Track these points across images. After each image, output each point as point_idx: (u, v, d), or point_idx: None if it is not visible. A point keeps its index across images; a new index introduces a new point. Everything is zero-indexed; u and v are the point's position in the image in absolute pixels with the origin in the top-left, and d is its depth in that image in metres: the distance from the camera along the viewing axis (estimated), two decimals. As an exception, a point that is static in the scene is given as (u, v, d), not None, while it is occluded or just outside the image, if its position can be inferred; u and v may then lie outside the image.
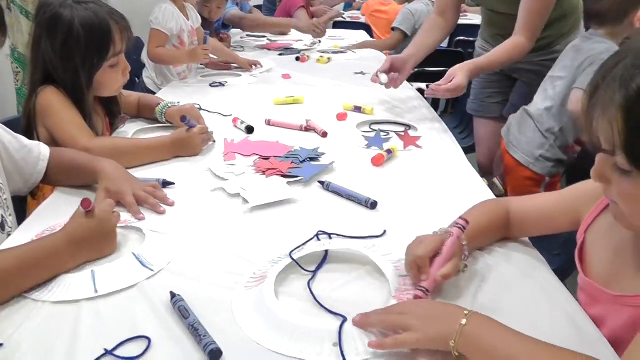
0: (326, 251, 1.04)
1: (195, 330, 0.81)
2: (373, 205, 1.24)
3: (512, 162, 2.06)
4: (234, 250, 1.07)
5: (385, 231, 1.12)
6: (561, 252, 1.17)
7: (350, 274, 1.00)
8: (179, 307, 0.86)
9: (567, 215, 1.03)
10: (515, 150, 2.05)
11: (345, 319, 0.84)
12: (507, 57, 1.95)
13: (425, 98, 2.16)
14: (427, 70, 2.31)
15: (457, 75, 1.84)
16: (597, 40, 1.87)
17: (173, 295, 0.89)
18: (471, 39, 3.60)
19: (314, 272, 0.99)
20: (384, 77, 1.99)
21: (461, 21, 5.02)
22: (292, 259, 1.00)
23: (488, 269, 1.02)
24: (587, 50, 1.86)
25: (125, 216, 1.15)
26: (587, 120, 0.75)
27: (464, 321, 0.76)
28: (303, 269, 1.00)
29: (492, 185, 2.28)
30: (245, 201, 1.25)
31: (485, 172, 2.47)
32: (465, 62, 1.93)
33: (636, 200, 0.75)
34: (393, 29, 3.90)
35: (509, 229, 1.10)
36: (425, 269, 0.92)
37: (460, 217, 0.98)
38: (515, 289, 0.97)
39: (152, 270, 0.99)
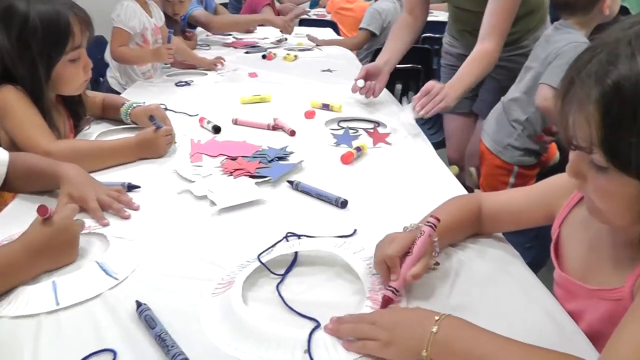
0: (295, 253, 1.01)
1: (163, 341, 0.77)
2: (343, 204, 1.22)
3: (485, 150, 2.07)
4: (201, 255, 1.03)
5: (355, 230, 1.10)
6: (533, 245, 1.16)
7: (321, 276, 0.97)
8: (145, 316, 0.82)
9: (540, 210, 1.02)
10: (487, 138, 2.06)
11: (318, 324, 0.82)
12: (479, 70, 1.90)
13: (393, 94, 2.14)
14: (396, 67, 2.30)
15: (449, 96, 1.78)
16: (566, 30, 1.86)
17: (139, 304, 0.85)
18: (437, 35, 3.61)
19: (283, 276, 0.96)
20: (361, 82, 1.97)
21: (428, 18, 5.04)
22: (261, 262, 0.97)
23: (461, 265, 1.00)
24: (554, 41, 1.86)
25: (88, 222, 1.10)
26: (562, 117, 0.73)
27: (434, 328, 0.74)
28: (272, 272, 0.96)
29: (468, 175, 2.28)
30: (213, 203, 1.21)
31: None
32: (453, 90, 1.83)
33: (612, 197, 0.73)
34: (360, 29, 3.87)
35: (481, 224, 1.08)
36: (395, 269, 0.90)
37: (431, 215, 0.95)
38: (490, 285, 0.96)
39: (116, 279, 0.94)
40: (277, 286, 0.92)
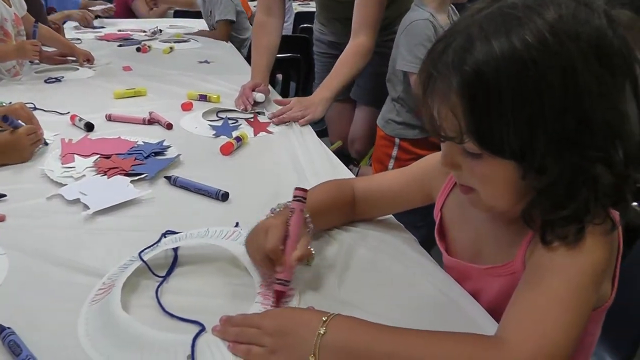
0: (176, 253, 0.94)
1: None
2: (224, 196, 1.16)
3: (377, 126, 2.06)
4: (77, 263, 0.93)
5: (237, 223, 1.04)
6: (425, 223, 1.15)
7: (207, 273, 0.91)
8: (9, 342, 0.72)
9: (417, 191, 1.00)
10: (380, 114, 2.05)
11: (202, 328, 0.76)
12: (355, 68, 1.87)
13: (274, 85, 2.07)
14: (276, 57, 2.23)
15: (318, 110, 1.75)
16: (414, 8, 1.84)
17: (2, 328, 0.74)
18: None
19: (165, 277, 0.89)
20: (259, 96, 1.81)
21: (303, 8, 5.00)
22: (142, 259, 0.89)
23: (349, 252, 0.97)
24: (402, 22, 1.85)
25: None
26: (426, 110, 0.71)
27: (322, 330, 0.68)
28: (154, 273, 0.89)
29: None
30: (86, 207, 1.11)
31: (338, 154, 2.45)
32: (320, 93, 1.82)
33: (491, 181, 0.71)
34: (218, 21, 3.52)
35: (355, 209, 1.05)
36: (279, 260, 0.82)
37: (297, 188, 0.86)
38: (383, 270, 0.93)
39: (-24, 299, 0.84)
40: (157, 290, 0.85)
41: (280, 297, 0.81)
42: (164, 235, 0.99)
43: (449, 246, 0.94)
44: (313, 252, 0.90)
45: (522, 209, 0.72)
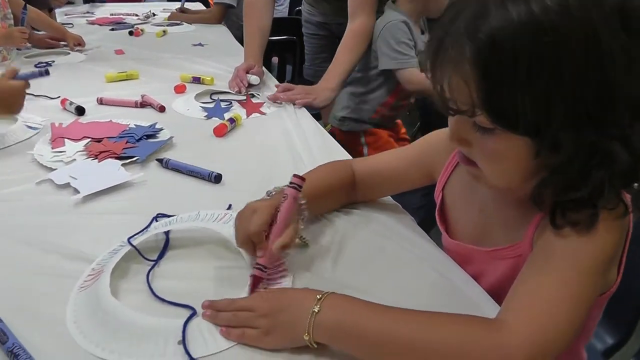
0: (167, 236, 0.91)
1: (15, 357, 0.66)
2: (217, 178, 1.13)
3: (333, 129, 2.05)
4: (67, 248, 0.90)
5: (230, 205, 1.01)
6: (424, 204, 1.12)
7: (198, 256, 0.88)
8: (-6, 329, 0.70)
9: (417, 171, 0.96)
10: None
11: (194, 312, 0.73)
12: (357, 51, 1.81)
13: (270, 69, 2.02)
14: (271, 40, 2.17)
15: (320, 97, 1.70)
16: (387, 11, 1.84)
17: (-13, 315, 0.72)
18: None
19: (156, 261, 0.86)
20: (253, 78, 1.77)
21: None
22: (131, 244, 0.86)
23: (345, 234, 0.94)
24: (376, 26, 1.83)
25: None
26: (435, 82, 0.65)
27: (316, 308, 0.66)
28: (145, 257, 0.86)
29: None
30: (76, 191, 1.08)
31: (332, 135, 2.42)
32: (324, 83, 1.77)
33: (502, 158, 0.67)
34: (215, 3, 3.39)
35: (355, 191, 1.01)
36: (261, 244, 0.80)
37: (295, 175, 0.82)
38: (380, 253, 0.90)
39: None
40: (148, 274, 0.83)
41: (257, 283, 0.78)
42: (155, 219, 0.96)
43: (449, 228, 0.91)
44: (306, 240, 0.88)
45: (533, 189, 0.68)
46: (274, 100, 1.63)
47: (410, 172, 0.97)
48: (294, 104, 1.62)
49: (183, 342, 0.68)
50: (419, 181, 0.97)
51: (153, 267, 0.85)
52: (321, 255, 0.88)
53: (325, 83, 1.76)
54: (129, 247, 0.86)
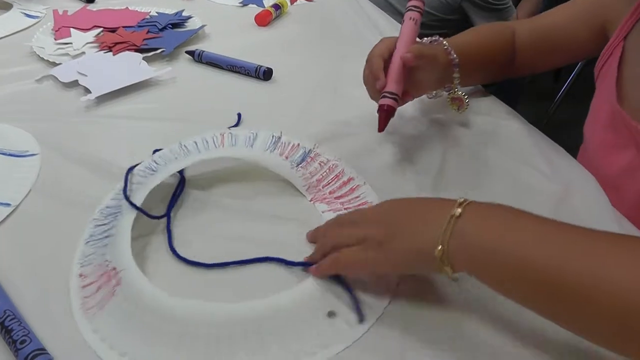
0: (182, 175, 0.64)
1: (8, 332, 0.44)
2: (266, 74, 0.87)
3: None
4: (73, 166, 0.67)
5: (282, 133, 0.69)
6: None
7: (244, 196, 0.63)
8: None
9: (589, 29, 0.73)
10: None
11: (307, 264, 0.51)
12: None
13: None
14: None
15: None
16: None
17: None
18: None
19: (167, 213, 0.58)
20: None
21: None
22: (129, 202, 0.57)
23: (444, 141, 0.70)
24: None
25: None
26: None
27: (457, 211, 0.42)
28: (148, 215, 0.57)
29: None
30: (87, 91, 0.83)
31: None
32: None
33: None
34: None
35: (516, 59, 0.79)
36: (378, 73, 0.65)
37: None
38: (489, 160, 0.67)
39: None
40: (169, 235, 0.56)
41: (388, 115, 0.64)
42: (181, 144, 0.67)
43: (622, 93, 0.66)
44: (467, 100, 0.73)
45: None
46: None
47: (580, 31, 0.74)
48: None
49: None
50: (588, 45, 0.75)
51: (168, 225, 0.57)
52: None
53: None
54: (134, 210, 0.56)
